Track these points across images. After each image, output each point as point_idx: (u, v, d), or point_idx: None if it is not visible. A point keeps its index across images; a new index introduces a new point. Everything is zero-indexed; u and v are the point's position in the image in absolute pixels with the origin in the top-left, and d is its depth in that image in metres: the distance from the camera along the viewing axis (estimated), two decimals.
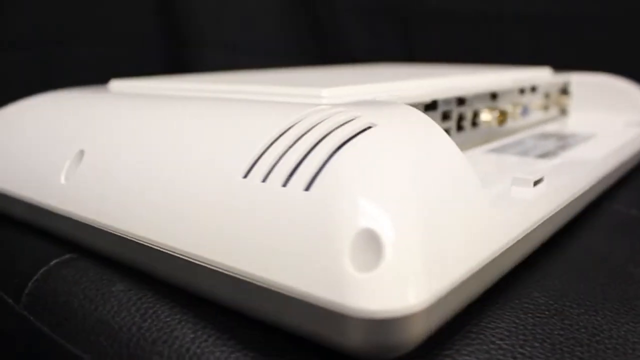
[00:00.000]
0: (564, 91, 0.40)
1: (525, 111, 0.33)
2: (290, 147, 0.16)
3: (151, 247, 0.16)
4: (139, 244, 0.17)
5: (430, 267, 0.13)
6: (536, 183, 0.20)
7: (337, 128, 0.16)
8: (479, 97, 0.28)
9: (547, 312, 0.18)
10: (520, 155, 0.26)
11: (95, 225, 0.18)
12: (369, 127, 0.16)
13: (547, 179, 0.21)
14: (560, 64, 0.45)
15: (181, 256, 0.16)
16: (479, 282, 0.15)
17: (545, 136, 0.31)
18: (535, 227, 0.18)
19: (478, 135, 0.29)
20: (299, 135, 0.16)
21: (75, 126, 0.22)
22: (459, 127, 0.27)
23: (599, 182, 0.25)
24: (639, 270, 0.22)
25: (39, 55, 0.43)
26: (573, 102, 0.41)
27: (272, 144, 0.16)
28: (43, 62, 0.43)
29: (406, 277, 0.12)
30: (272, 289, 0.14)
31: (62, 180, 0.20)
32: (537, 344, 0.16)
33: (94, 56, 0.46)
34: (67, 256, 0.20)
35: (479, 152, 0.27)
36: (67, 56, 0.44)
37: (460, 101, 0.27)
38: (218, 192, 0.16)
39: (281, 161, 0.15)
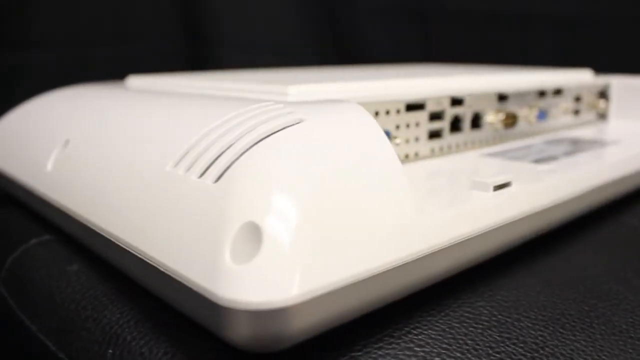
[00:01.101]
0: (603, 95, 0.37)
1: (542, 115, 0.31)
2: (217, 140, 0.16)
3: (94, 230, 0.18)
4: (87, 227, 0.18)
5: (313, 264, 0.13)
6: (498, 187, 0.19)
7: (263, 123, 0.16)
8: (481, 98, 0.27)
9: (486, 323, 0.17)
10: (514, 159, 0.25)
11: (62, 209, 0.20)
12: (296, 124, 0.16)
13: (518, 185, 0.20)
14: (602, 66, 0.42)
15: (106, 236, 0.17)
16: (385, 286, 0.14)
17: (560, 141, 0.29)
18: (479, 234, 0.17)
19: (480, 137, 0.28)
20: (228, 129, 0.16)
21: (64, 118, 0.23)
22: (455, 128, 0.26)
23: (591, 191, 0.23)
24: (621, 287, 0.20)
25: (66, 54, 0.47)
26: (618, 107, 0.38)
27: (205, 136, 0.17)
28: (69, 61, 0.47)
29: (280, 271, 0.12)
30: (169, 274, 0.14)
31: (49, 167, 0.22)
32: (458, 354, 0.15)
33: (116, 54, 0.49)
34: (46, 237, 0.22)
35: (474, 155, 0.26)
36: (90, 55, 0.48)
37: (456, 102, 0.26)
38: (147, 180, 0.16)
39: (205, 153, 0.16)
